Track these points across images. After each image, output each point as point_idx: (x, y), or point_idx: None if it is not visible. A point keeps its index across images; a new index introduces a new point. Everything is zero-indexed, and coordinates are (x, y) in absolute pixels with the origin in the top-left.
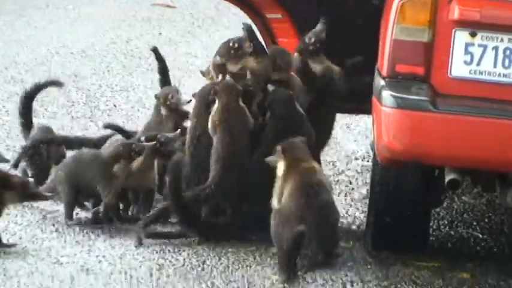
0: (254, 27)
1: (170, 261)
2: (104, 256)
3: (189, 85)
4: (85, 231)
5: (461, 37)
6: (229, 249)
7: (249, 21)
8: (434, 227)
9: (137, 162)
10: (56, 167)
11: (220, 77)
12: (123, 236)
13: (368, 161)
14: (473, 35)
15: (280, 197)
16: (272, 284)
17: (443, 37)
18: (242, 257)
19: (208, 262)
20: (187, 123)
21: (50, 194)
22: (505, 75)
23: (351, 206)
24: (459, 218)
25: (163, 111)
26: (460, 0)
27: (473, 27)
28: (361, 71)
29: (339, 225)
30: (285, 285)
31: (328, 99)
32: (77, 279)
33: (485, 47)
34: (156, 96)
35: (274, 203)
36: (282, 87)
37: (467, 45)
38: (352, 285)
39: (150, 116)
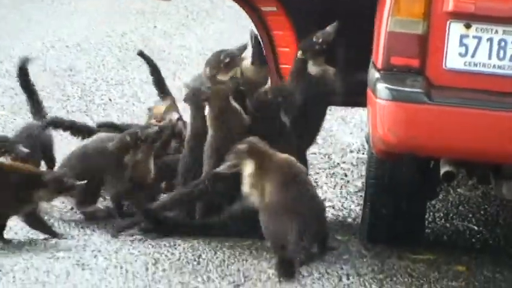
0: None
1: (166, 256)
2: (99, 251)
3: (183, 78)
4: (80, 226)
5: (456, 29)
6: (225, 243)
7: (243, 14)
8: (430, 219)
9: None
10: (64, 159)
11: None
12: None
13: (363, 154)
14: (467, 26)
15: (262, 193)
16: (268, 278)
17: (438, 29)
18: (238, 251)
19: (204, 256)
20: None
21: (81, 182)
22: (499, 67)
23: (347, 198)
24: (454, 211)
25: None
26: None
27: (468, 19)
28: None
29: (335, 218)
30: (281, 279)
31: (320, 101)
32: (73, 274)
33: (479, 38)
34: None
35: (255, 200)
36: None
37: (462, 37)
38: (348, 278)
39: (145, 110)
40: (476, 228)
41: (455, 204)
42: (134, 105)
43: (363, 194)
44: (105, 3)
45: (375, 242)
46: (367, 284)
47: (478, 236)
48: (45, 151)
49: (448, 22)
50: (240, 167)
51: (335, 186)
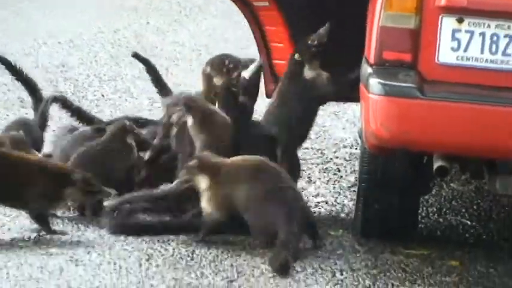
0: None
1: (159, 251)
2: (93, 247)
3: (176, 74)
4: (74, 222)
5: (448, 23)
6: (219, 239)
7: (236, 9)
8: (423, 214)
9: None
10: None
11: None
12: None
13: (356, 149)
14: (460, 21)
15: (229, 201)
16: (261, 273)
17: (430, 24)
18: (231, 247)
19: (197, 252)
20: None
21: (113, 190)
22: (492, 61)
23: (340, 194)
24: (448, 205)
25: None
26: None
27: (460, 13)
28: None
29: (328, 213)
30: (275, 274)
31: (313, 103)
32: (66, 270)
33: (472, 33)
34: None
35: (214, 213)
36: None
37: (454, 31)
38: (341, 274)
39: (138, 106)
40: (469, 223)
41: (449, 199)
42: (127, 101)
43: (356, 189)
44: None
45: (368, 237)
46: (360, 279)
47: (472, 230)
48: (35, 147)
49: (440, 16)
50: (194, 183)
51: (328, 181)
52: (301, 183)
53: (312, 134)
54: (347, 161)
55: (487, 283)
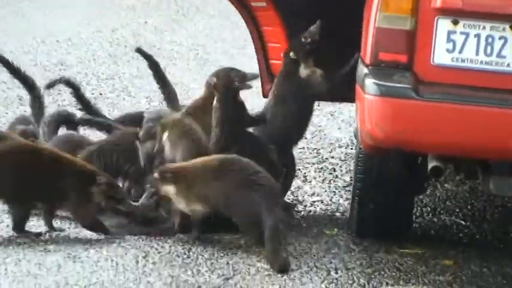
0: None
1: (156, 249)
2: (90, 244)
3: (173, 73)
4: (71, 219)
5: (443, 25)
6: (215, 237)
7: (233, 9)
8: (418, 214)
9: None
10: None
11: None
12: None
13: (352, 149)
14: (455, 22)
15: (203, 197)
16: (257, 271)
17: (425, 25)
18: (227, 245)
19: (193, 249)
20: None
21: (136, 205)
22: (487, 63)
23: (335, 193)
24: (442, 205)
25: None
26: None
27: (456, 15)
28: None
29: (323, 212)
30: (270, 272)
31: (308, 101)
32: (64, 267)
33: (467, 34)
34: None
35: (193, 208)
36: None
37: (449, 33)
38: (336, 272)
39: (135, 104)
40: (463, 223)
41: (443, 199)
42: (125, 100)
43: (351, 188)
44: None
45: (363, 237)
46: (355, 277)
47: (465, 230)
48: None
49: (435, 18)
50: (163, 192)
51: (323, 180)
52: (296, 183)
53: (308, 133)
54: (342, 160)
55: (480, 282)
